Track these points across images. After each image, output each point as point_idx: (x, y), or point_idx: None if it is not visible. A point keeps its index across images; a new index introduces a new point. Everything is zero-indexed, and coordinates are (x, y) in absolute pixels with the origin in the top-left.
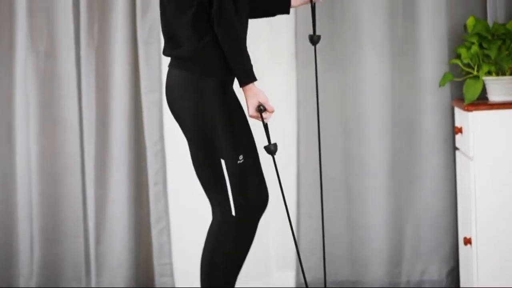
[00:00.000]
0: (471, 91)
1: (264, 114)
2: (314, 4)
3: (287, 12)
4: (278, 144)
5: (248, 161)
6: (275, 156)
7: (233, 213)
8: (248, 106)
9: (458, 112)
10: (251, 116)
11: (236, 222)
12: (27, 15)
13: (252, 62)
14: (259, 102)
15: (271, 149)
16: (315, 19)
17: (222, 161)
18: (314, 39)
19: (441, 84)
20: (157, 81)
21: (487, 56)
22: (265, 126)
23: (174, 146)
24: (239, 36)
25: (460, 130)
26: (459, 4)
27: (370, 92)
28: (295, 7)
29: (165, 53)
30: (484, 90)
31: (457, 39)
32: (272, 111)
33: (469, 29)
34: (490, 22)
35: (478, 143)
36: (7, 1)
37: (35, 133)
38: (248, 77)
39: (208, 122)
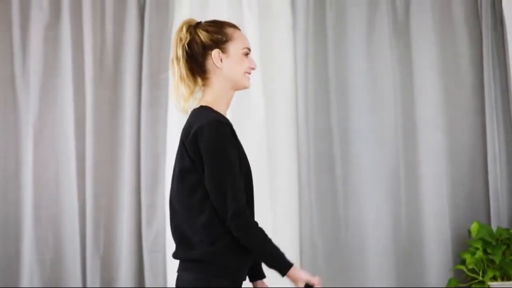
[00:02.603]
0: None
1: None
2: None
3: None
4: None
5: None
6: None
7: None
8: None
9: None
10: None
11: None
12: (33, 224)
13: None
14: (306, 283)
15: None
16: None
17: None
18: None
19: None
20: None
21: (492, 261)
22: None
23: None
24: (261, 234)
25: None
26: (462, 209)
27: None
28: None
29: (177, 256)
30: None
31: (461, 244)
32: (319, 283)
33: (473, 234)
34: (493, 226)
35: None
36: (14, 208)
37: None
38: (285, 266)
39: None
